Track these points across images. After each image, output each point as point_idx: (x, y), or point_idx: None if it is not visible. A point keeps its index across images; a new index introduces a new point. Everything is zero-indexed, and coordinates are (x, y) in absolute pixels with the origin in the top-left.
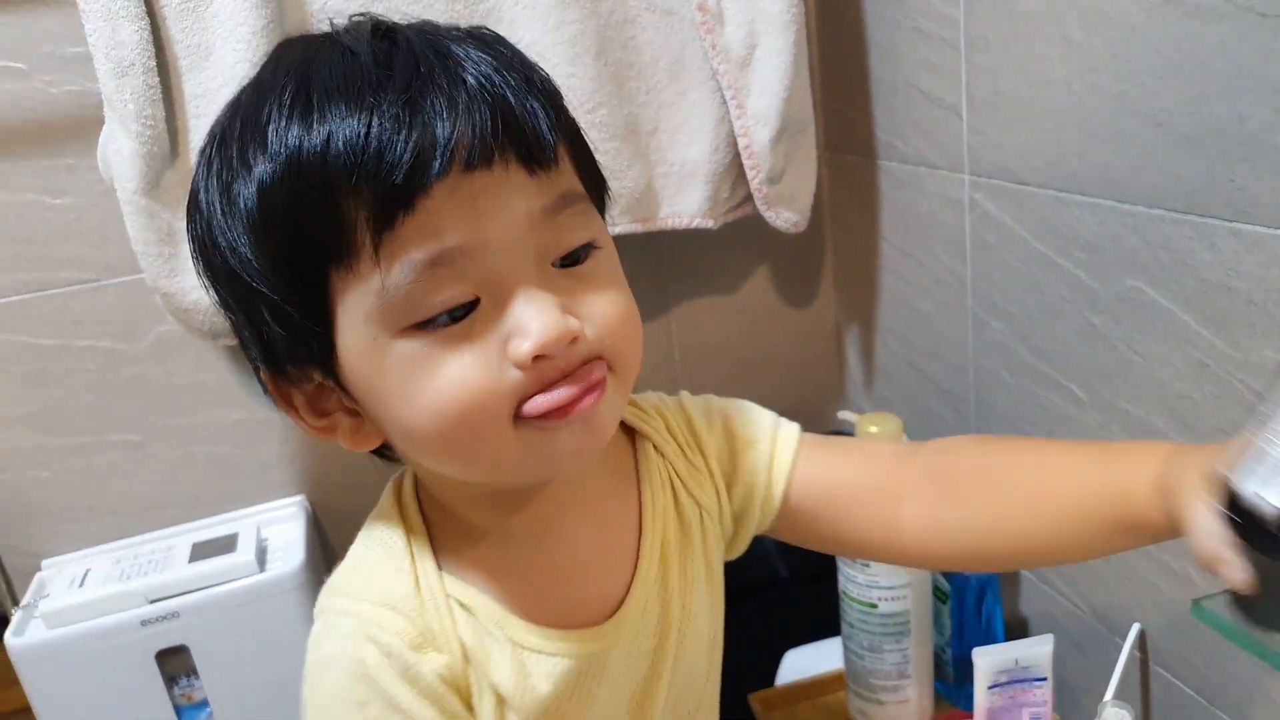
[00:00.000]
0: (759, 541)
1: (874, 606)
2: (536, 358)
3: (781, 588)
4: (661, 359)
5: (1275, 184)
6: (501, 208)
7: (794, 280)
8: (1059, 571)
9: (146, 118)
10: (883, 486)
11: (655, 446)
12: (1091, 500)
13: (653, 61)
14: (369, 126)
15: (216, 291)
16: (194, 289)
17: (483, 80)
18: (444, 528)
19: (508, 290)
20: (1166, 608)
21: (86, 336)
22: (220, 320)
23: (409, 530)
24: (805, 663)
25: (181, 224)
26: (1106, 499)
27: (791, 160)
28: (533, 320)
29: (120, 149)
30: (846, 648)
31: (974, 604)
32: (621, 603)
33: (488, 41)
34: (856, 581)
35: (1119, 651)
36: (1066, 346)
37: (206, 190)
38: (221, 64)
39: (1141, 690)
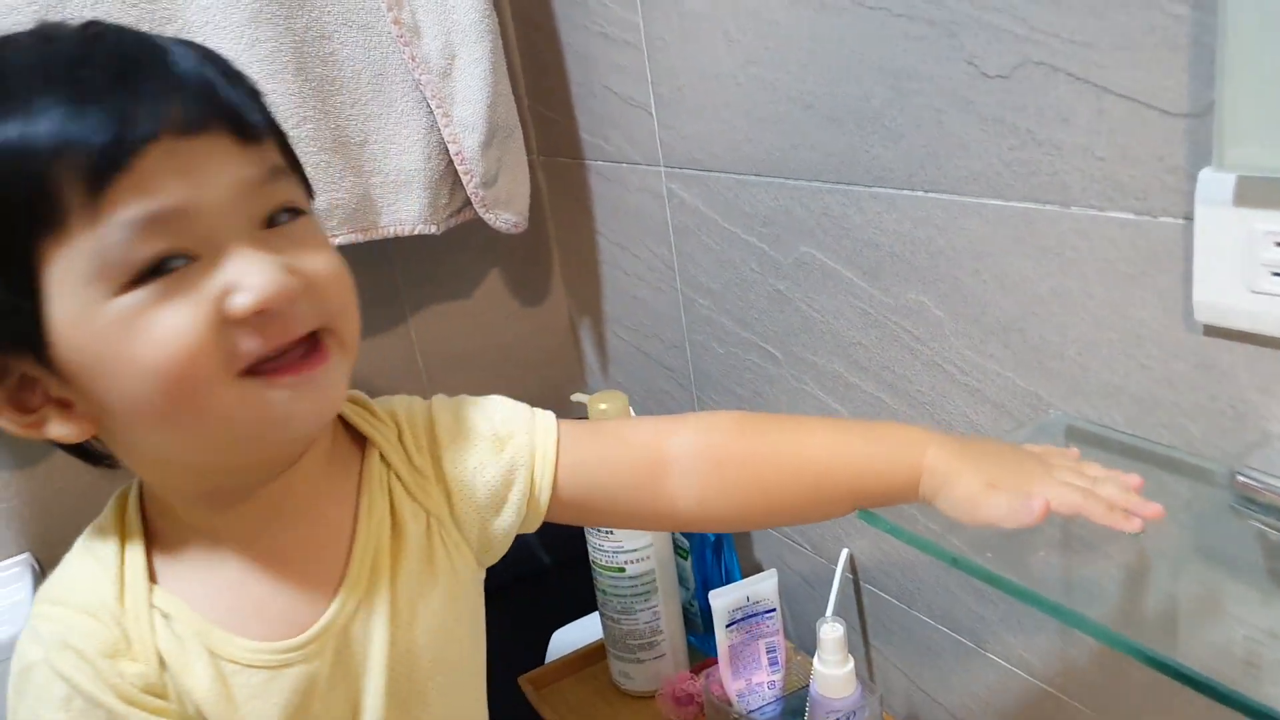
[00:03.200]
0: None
1: (622, 570)
2: (259, 313)
3: (545, 575)
4: (405, 368)
5: (897, 152)
6: (215, 172)
7: (526, 280)
8: None
9: None
10: (648, 465)
11: (381, 454)
12: (848, 480)
13: (355, 75)
14: (73, 98)
15: None
16: None
17: (191, 67)
18: (164, 536)
19: (221, 248)
20: (868, 531)
21: None
22: None
23: (125, 539)
24: (570, 639)
25: None
26: (865, 479)
27: (504, 164)
28: (252, 275)
29: None
30: (603, 615)
31: (713, 556)
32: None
33: (193, 44)
34: (603, 549)
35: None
36: (761, 313)
37: None
38: None
39: (856, 605)
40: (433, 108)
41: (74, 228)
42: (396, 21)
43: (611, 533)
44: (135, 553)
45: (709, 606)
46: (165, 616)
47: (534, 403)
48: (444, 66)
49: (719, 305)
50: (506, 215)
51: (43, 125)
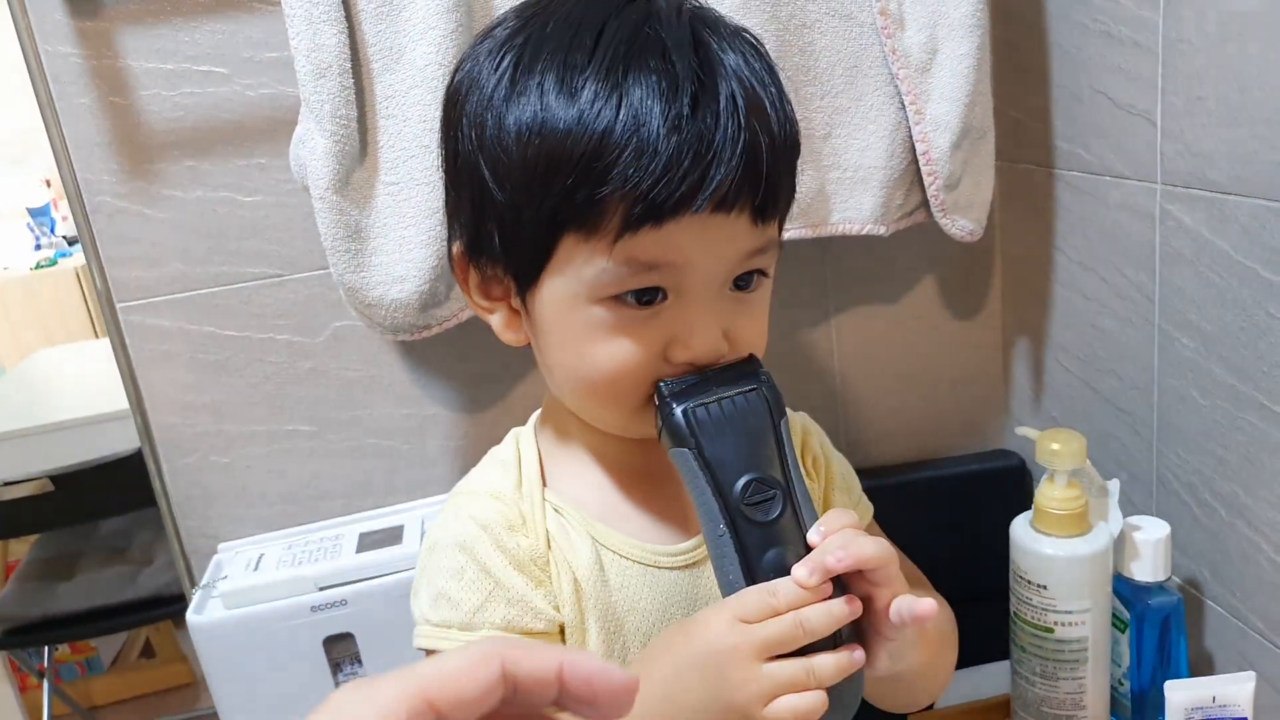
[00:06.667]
0: (924, 557)
1: (1049, 631)
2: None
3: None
4: (821, 367)
5: None
6: (723, 245)
7: (960, 291)
8: (1257, 607)
9: (340, 117)
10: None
11: None
12: None
13: (830, 67)
14: (670, 143)
15: (461, 171)
16: (379, 284)
17: (747, 115)
18: (556, 455)
19: (690, 300)
20: None
21: (268, 329)
22: (400, 316)
23: (522, 453)
24: (965, 686)
25: (368, 220)
26: None
27: (970, 167)
28: (698, 339)
29: (315, 148)
30: (1016, 673)
31: (1156, 635)
32: None
33: (749, 55)
34: (1031, 604)
35: None
36: (1273, 367)
37: (494, 83)
38: (412, 66)
39: None
40: (906, 103)
41: (597, 244)
42: (883, 13)
43: (1044, 587)
44: (530, 462)
45: (1141, 689)
46: (556, 510)
47: (951, 422)
48: (924, 60)
49: (1210, 349)
50: (964, 222)
51: (625, 158)
